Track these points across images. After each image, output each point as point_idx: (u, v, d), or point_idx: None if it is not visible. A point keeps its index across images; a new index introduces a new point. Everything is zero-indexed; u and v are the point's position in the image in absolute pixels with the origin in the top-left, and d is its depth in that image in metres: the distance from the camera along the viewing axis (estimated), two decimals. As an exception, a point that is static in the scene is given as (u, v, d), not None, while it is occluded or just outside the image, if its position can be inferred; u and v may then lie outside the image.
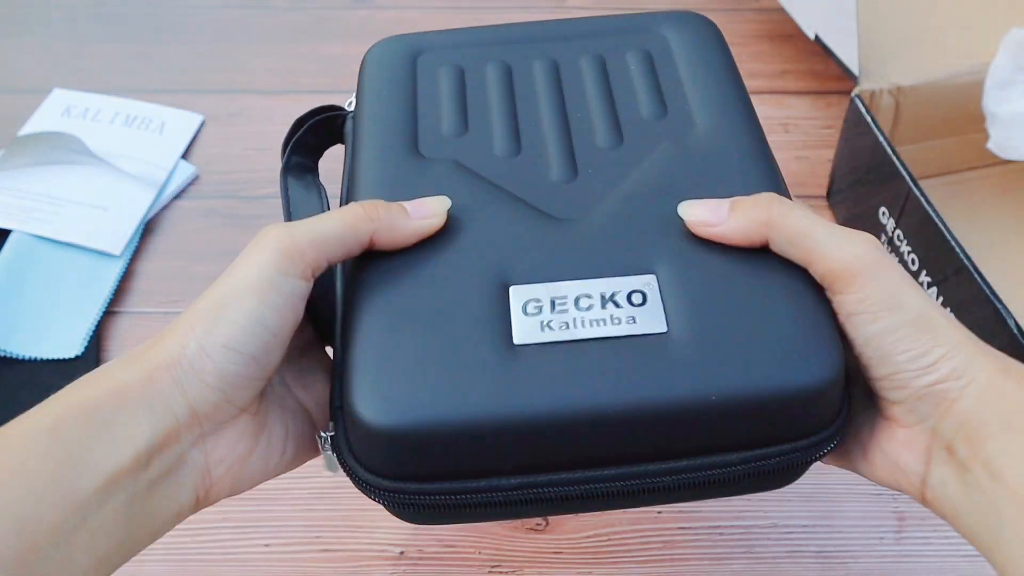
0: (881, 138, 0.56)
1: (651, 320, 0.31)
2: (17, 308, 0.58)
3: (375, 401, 0.30)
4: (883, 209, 0.57)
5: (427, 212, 0.34)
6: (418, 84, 0.41)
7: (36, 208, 0.64)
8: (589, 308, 0.31)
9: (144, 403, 0.28)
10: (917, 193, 0.53)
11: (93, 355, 0.57)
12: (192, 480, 0.30)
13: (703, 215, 0.33)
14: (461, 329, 0.31)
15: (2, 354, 0.56)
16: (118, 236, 0.63)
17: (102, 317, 0.59)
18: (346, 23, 0.82)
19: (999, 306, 0.47)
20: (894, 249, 0.57)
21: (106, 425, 0.27)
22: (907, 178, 0.53)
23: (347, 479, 0.32)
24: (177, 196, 0.67)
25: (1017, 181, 0.66)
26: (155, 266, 0.63)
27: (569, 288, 0.32)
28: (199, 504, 0.31)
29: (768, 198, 0.33)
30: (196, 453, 0.30)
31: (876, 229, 0.58)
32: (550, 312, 0.31)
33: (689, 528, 0.49)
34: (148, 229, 0.65)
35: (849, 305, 0.32)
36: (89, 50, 0.79)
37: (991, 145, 0.58)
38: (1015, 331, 0.46)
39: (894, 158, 0.55)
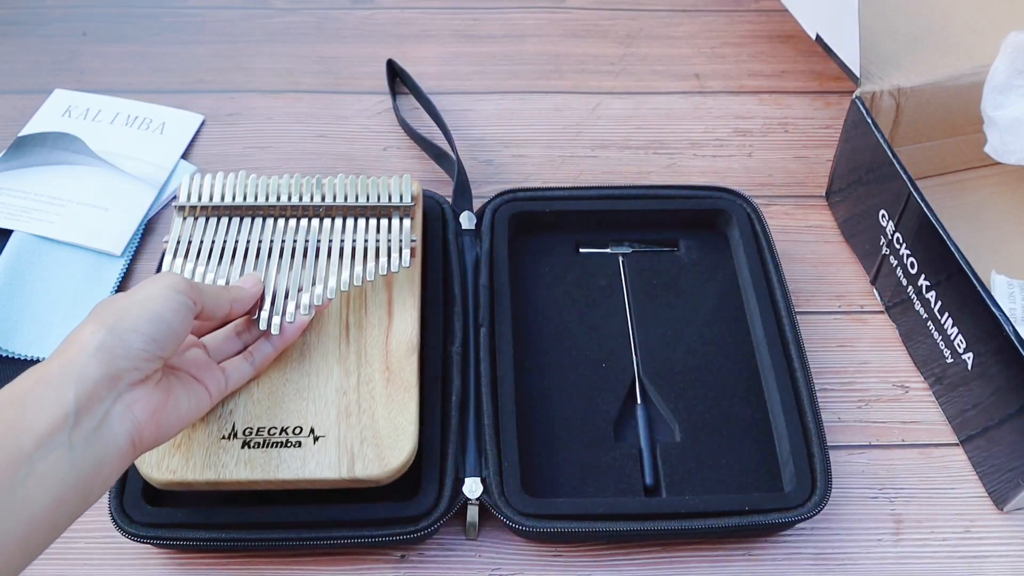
0: (881, 140, 0.56)
1: None
2: (19, 308, 0.58)
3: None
4: (882, 212, 0.57)
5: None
6: None
7: (37, 208, 0.64)
8: None
9: (65, 378, 0.36)
10: (916, 196, 0.53)
11: (94, 356, 0.57)
12: (123, 427, 0.38)
13: None
14: None
15: (4, 354, 0.56)
16: (119, 236, 0.63)
17: (103, 318, 0.59)
18: (346, 23, 0.82)
19: (995, 310, 0.47)
20: (893, 252, 0.57)
21: (36, 400, 0.36)
22: (907, 180, 0.54)
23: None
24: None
25: (1016, 182, 0.66)
26: (155, 266, 0.63)
27: None
28: (136, 447, 0.39)
29: None
30: (119, 407, 0.38)
31: (875, 231, 0.58)
32: None
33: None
34: (149, 229, 0.65)
35: None
36: (90, 50, 0.79)
37: (989, 149, 0.58)
38: (1011, 335, 0.46)
39: (894, 160, 0.55)
